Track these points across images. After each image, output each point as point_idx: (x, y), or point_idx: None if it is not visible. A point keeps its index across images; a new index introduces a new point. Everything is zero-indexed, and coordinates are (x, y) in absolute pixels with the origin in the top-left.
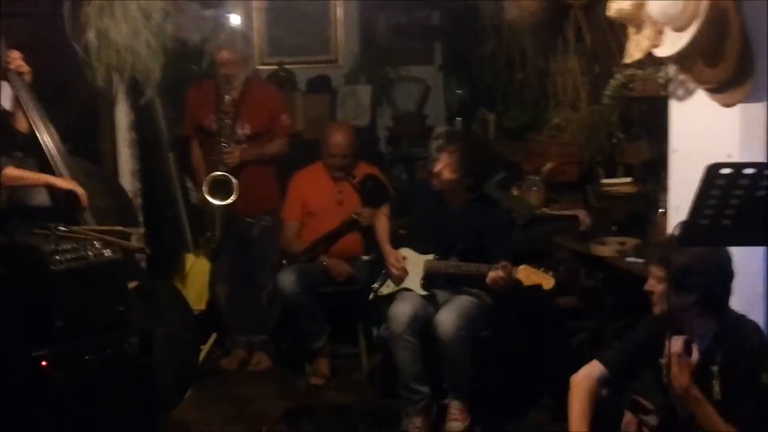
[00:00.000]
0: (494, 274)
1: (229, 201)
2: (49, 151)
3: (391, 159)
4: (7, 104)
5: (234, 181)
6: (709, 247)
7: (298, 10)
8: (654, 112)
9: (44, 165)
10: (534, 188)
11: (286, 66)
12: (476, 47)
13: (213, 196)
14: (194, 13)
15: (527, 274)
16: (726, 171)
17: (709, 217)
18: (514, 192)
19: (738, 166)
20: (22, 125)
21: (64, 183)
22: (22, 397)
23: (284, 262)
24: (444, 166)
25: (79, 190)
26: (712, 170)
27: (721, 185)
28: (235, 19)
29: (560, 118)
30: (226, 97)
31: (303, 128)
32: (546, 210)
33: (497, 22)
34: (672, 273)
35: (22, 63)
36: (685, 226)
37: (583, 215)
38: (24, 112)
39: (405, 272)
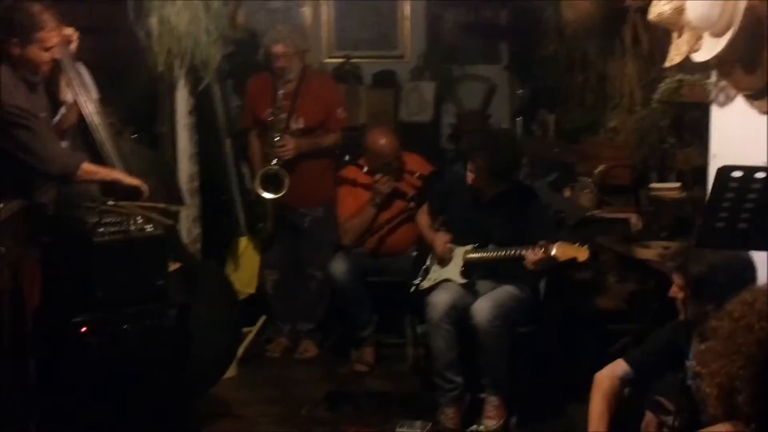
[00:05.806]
0: (532, 253)
1: (279, 195)
2: (95, 128)
3: (452, 156)
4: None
5: (286, 175)
6: (726, 256)
7: (366, 5)
8: (704, 118)
9: (90, 143)
10: (585, 190)
11: (353, 60)
12: (539, 48)
13: (265, 190)
14: (264, 4)
15: (563, 250)
16: (737, 174)
17: (724, 220)
18: (566, 193)
19: (749, 170)
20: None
21: (131, 180)
22: (62, 360)
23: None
24: (470, 177)
25: (144, 188)
26: (724, 173)
27: (734, 188)
28: (303, 13)
29: (616, 122)
30: (281, 91)
31: (366, 122)
32: (597, 212)
33: (560, 24)
34: (688, 282)
35: (70, 33)
36: (700, 229)
37: (635, 219)
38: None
39: (450, 250)
